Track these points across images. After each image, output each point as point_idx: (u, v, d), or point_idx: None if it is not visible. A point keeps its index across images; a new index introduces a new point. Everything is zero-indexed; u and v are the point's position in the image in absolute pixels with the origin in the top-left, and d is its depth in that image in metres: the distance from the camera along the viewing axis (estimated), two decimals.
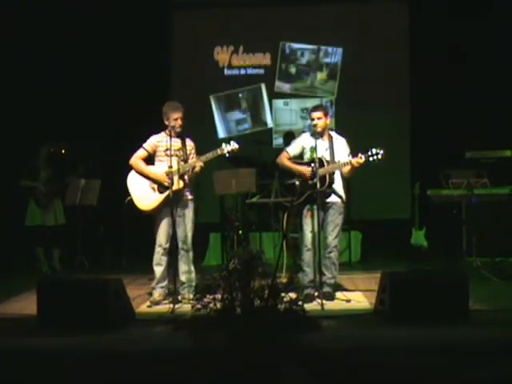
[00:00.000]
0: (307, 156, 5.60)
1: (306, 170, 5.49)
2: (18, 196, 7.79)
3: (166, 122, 5.55)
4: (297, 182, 5.57)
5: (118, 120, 8.62)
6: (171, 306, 5.15)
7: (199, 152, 5.66)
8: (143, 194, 5.54)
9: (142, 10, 8.79)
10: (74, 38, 8.63)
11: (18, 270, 7.46)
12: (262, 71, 9.42)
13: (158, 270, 5.57)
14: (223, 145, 5.47)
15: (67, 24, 8.59)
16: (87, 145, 8.13)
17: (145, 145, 5.60)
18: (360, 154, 5.34)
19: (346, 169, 5.48)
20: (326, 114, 5.58)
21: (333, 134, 5.71)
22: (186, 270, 5.54)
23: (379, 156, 5.27)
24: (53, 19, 8.50)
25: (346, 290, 5.93)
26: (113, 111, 8.66)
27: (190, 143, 5.66)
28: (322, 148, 5.51)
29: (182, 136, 5.57)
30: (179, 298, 5.40)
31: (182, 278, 5.53)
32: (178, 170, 5.42)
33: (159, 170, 5.53)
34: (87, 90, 8.68)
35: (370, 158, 5.29)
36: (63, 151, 7.65)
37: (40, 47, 8.50)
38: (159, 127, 5.65)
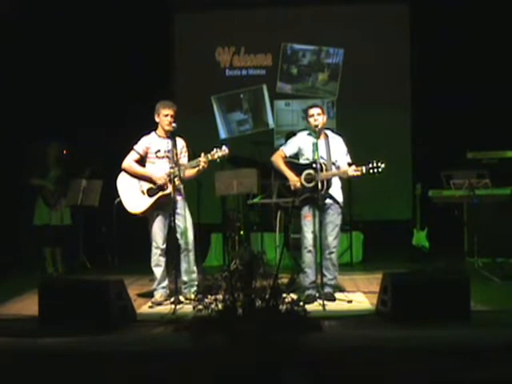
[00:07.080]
0: (306, 156, 5.56)
1: (296, 180, 5.47)
2: (20, 195, 7.81)
3: (157, 119, 5.55)
4: (292, 185, 5.56)
5: (118, 121, 8.62)
6: (172, 306, 5.16)
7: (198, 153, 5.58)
8: (132, 197, 5.54)
9: (144, 11, 8.79)
10: (74, 40, 8.63)
11: (20, 270, 7.47)
12: (263, 72, 9.42)
13: (158, 270, 5.59)
14: (214, 150, 5.42)
15: (67, 24, 8.59)
16: (88, 147, 8.16)
17: (136, 147, 5.58)
18: (359, 167, 5.31)
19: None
20: (323, 112, 5.55)
21: (328, 132, 5.67)
22: (187, 270, 5.55)
23: (379, 170, 5.23)
24: (53, 19, 8.51)
25: (348, 290, 5.93)
26: (113, 113, 8.65)
27: (181, 142, 5.61)
28: (320, 147, 5.42)
29: (172, 136, 5.44)
30: (181, 298, 5.41)
31: (184, 277, 5.54)
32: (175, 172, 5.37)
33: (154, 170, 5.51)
34: (88, 92, 8.69)
35: (370, 171, 5.26)
36: (64, 152, 7.65)
37: (40, 48, 8.51)
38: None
